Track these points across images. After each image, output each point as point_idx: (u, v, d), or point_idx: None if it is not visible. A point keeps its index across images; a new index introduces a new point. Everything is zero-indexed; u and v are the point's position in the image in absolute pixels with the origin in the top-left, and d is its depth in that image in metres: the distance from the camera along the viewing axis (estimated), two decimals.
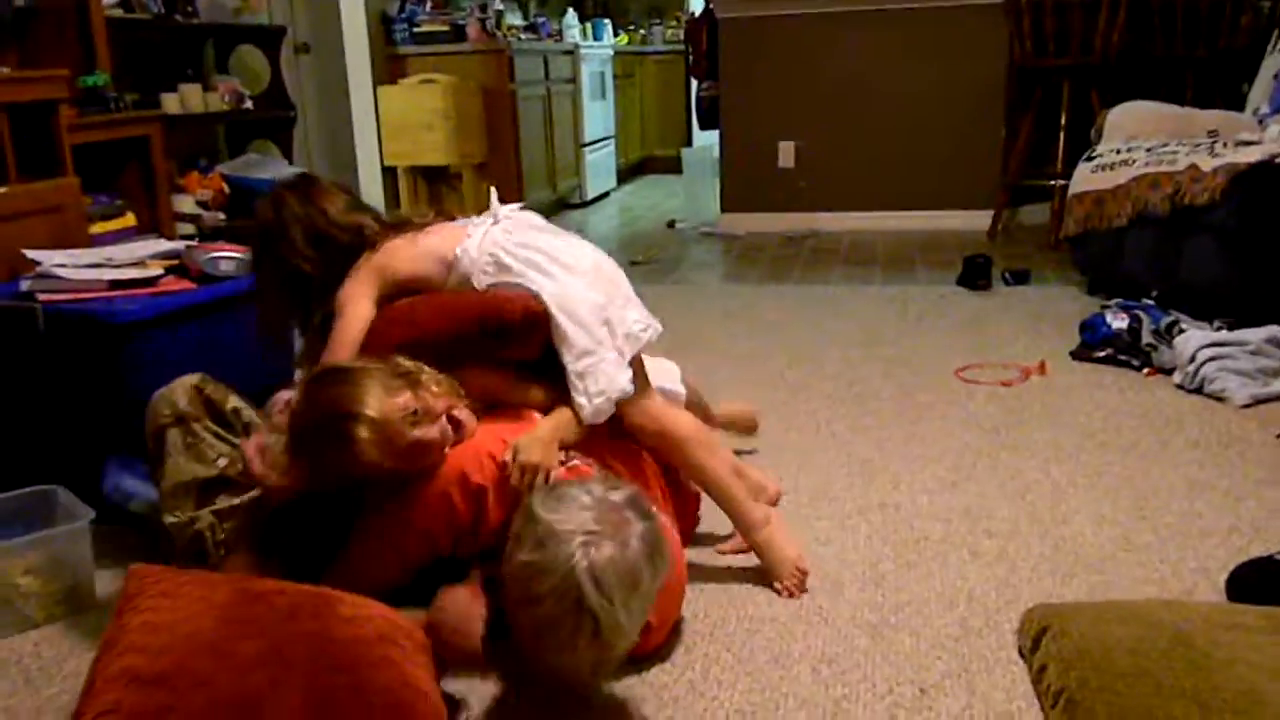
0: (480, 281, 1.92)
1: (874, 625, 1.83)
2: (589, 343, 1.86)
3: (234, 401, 1.97)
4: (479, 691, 1.67)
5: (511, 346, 1.86)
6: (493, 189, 2.23)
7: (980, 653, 1.73)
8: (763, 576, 1.99)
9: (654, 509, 1.59)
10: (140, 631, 1.43)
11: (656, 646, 1.74)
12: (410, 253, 1.96)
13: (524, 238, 1.96)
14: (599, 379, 1.86)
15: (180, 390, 1.93)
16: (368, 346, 1.86)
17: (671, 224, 6.32)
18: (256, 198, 4.63)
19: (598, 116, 7.67)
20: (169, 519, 1.85)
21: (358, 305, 1.90)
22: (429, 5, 6.25)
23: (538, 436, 1.76)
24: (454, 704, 1.62)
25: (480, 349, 1.85)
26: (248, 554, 1.83)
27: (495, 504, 1.71)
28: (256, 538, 1.84)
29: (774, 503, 2.26)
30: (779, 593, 1.94)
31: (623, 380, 1.87)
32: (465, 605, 1.64)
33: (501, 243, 1.94)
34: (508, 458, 1.72)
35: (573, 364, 1.86)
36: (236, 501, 1.85)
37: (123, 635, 1.42)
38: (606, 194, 7.86)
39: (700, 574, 2.01)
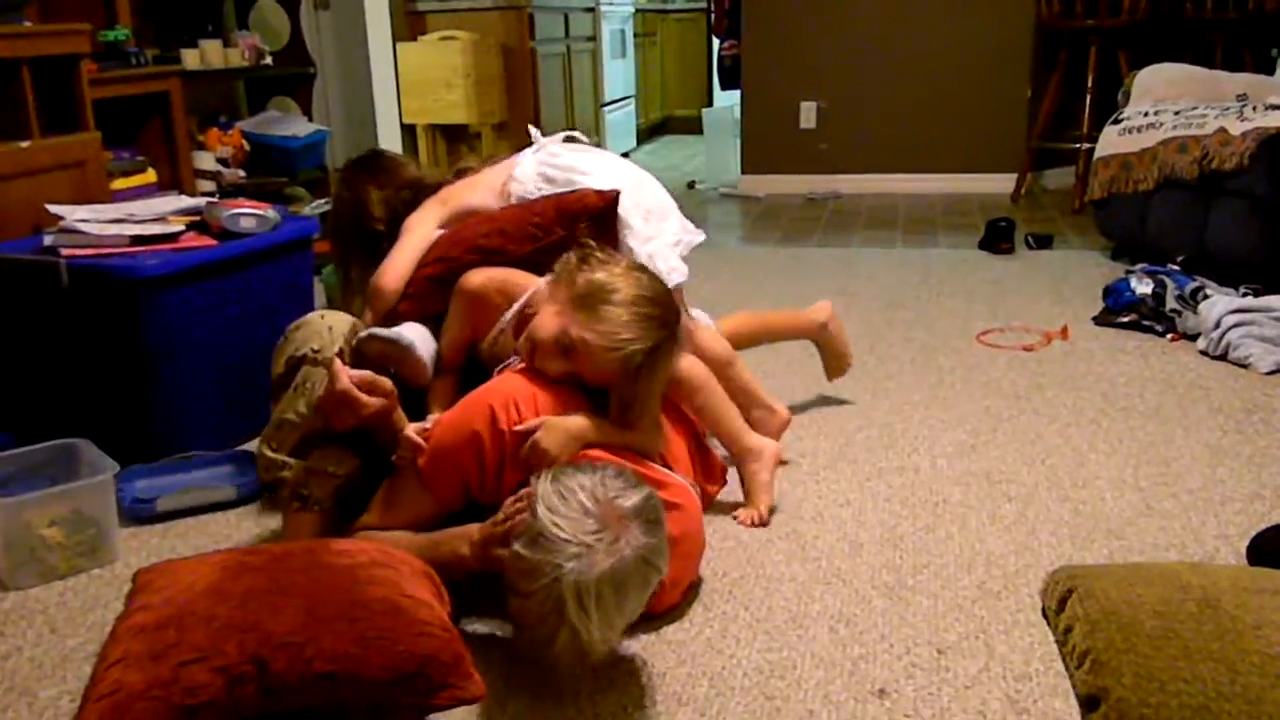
0: (534, 197, 2.07)
1: (892, 586, 1.83)
2: (649, 230, 2.10)
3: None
4: (495, 639, 1.69)
5: (586, 231, 1.95)
6: (531, 126, 2.36)
7: (999, 615, 1.73)
8: (783, 538, 2.00)
9: (663, 517, 1.53)
10: (145, 596, 1.48)
11: (670, 606, 1.75)
12: (469, 187, 2.14)
13: (570, 159, 2.13)
14: (668, 257, 2.09)
15: (333, 330, 1.89)
16: (448, 243, 2.02)
17: (691, 185, 6.30)
18: (275, 153, 4.61)
19: (618, 75, 7.62)
20: (265, 451, 1.86)
21: (422, 226, 2.07)
22: None
23: (566, 426, 1.72)
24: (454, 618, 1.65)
25: (557, 239, 1.94)
26: (320, 514, 1.84)
27: (512, 460, 1.72)
28: (331, 496, 1.84)
29: (782, 428, 2.29)
30: (735, 517, 2.07)
31: (683, 267, 2.13)
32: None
33: (549, 161, 2.12)
34: (530, 426, 1.72)
35: (640, 246, 2.05)
36: (333, 469, 1.83)
37: (129, 612, 1.46)
38: (626, 154, 7.82)
39: (720, 534, 2.02)
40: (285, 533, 1.88)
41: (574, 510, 1.46)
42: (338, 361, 1.79)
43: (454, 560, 1.65)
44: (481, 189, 2.13)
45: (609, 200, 2.00)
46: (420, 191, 2.16)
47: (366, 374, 1.77)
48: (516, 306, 1.89)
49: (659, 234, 2.13)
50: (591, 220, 1.98)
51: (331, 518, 1.85)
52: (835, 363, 2.62)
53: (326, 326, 1.90)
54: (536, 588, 1.43)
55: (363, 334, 1.92)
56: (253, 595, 1.43)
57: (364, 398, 1.75)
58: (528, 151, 2.19)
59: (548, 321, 1.77)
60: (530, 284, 1.90)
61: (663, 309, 1.76)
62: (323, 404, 1.78)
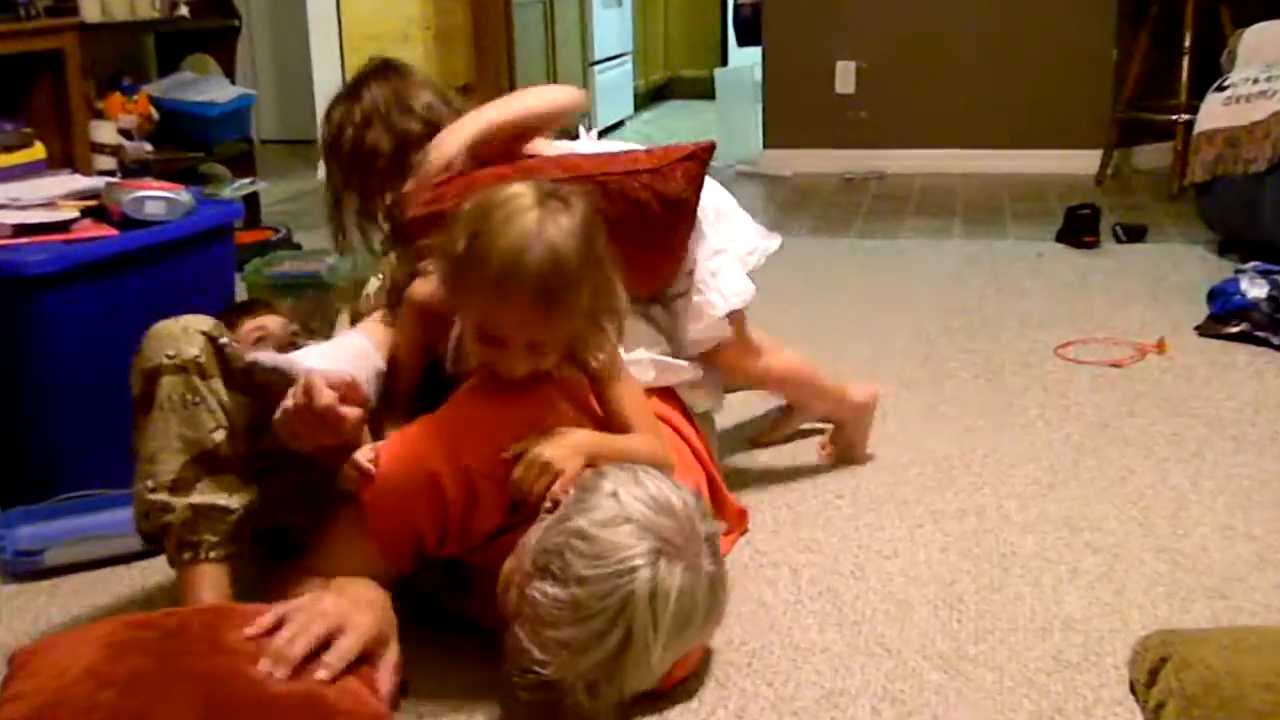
0: None
1: (948, 658, 1.83)
2: (719, 238, 2.21)
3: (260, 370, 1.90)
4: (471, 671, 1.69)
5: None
6: (581, 127, 2.44)
7: (1077, 691, 1.73)
8: (815, 598, 2.01)
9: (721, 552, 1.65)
10: (19, 683, 1.49)
11: (677, 682, 1.75)
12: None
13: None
14: (733, 279, 2.20)
15: (189, 331, 1.87)
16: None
17: None
18: (189, 123, 4.61)
19: (611, 28, 7.65)
20: (144, 494, 1.82)
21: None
22: None
23: (568, 440, 1.73)
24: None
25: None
26: (221, 563, 1.82)
27: (490, 498, 1.72)
28: (229, 539, 1.82)
29: (865, 410, 2.56)
30: (822, 447, 2.55)
31: (749, 289, 2.24)
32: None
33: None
34: (523, 447, 1.72)
35: (706, 261, 2.17)
36: (226, 503, 1.81)
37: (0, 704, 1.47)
38: (621, 123, 7.85)
39: (738, 594, 2.01)
40: (181, 594, 1.83)
41: (657, 506, 1.55)
42: (315, 374, 1.75)
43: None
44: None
45: (707, 149, 2.12)
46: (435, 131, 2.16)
47: (344, 376, 1.76)
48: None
49: (730, 243, 2.22)
50: (686, 177, 2.08)
51: (237, 564, 1.84)
52: (843, 451, 2.58)
53: (180, 327, 1.87)
54: (604, 573, 1.48)
55: (248, 357, 1.90)
56: (140, 680, 1.44)
57: (346, 411, 1.73)
58: (574, 144, 2.29)
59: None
60: None
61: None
62: (290, 423, 1.76)
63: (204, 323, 1.88)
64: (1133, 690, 1.72)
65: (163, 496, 1.81)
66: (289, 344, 2.16)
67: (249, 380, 1.85)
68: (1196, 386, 2.94)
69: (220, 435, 1.83)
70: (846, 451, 2.56)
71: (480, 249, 1.69)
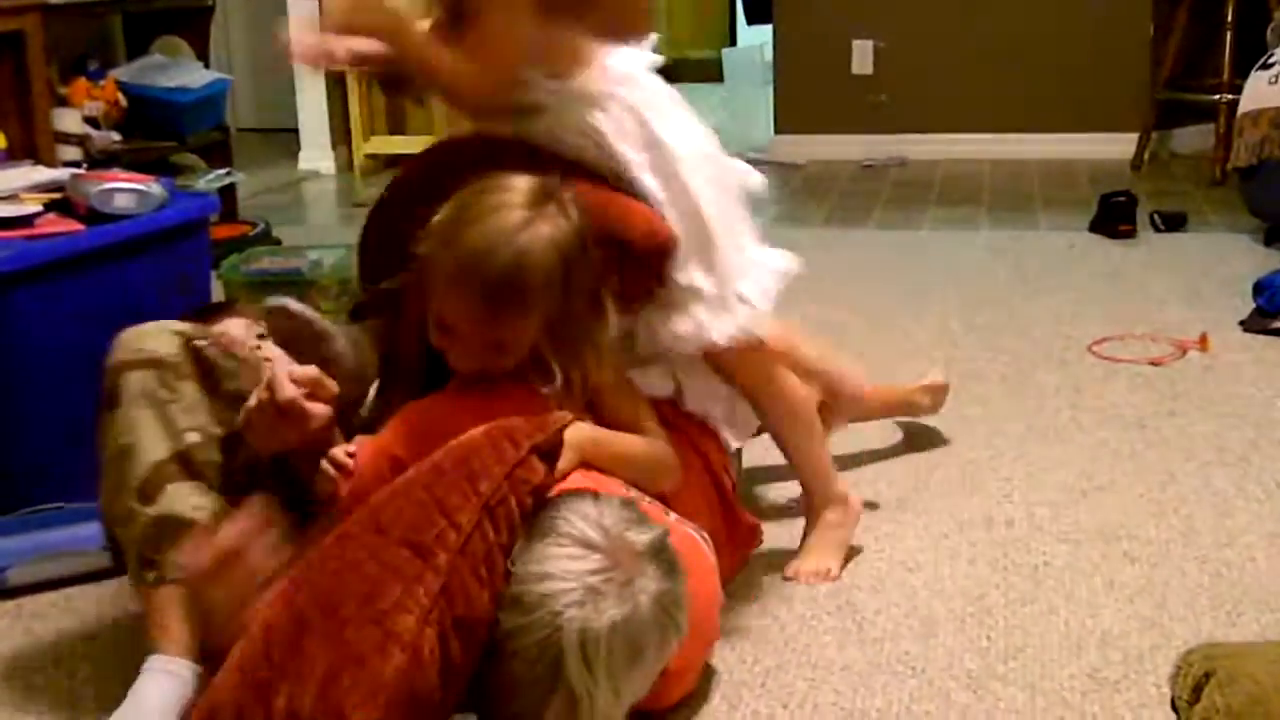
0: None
1: (977, 676, 1.83)
2: (738, 255, 2.03)
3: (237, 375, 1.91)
4: None
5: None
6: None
7: (1115, 711, 1.74)
8: (833, 613, 2.02)
9: (679, 561, 1.60)
10: None
11: (681, 698, 1.76)
12: None
13: (649, 115, 2.00)
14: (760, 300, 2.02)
15: (163, 330, 1.88)
16: None
17: None
18: (160, 110, 4.60)
19: None
20: (108, 497, 1.82)
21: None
22: None
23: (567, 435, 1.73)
24: None
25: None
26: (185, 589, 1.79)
27: None
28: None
29: (854, 401, 2.39)
30: (785, 576, 2.13)
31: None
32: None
33: (631, 105, 1.99)
34: None
35: (714, 288, 1.98)
36: (194, 515, 1.78)
37: None
38: None
39: (752, 609, 2.02)
40: (147, 619, 1.80)
41: (574, 545, 1.50)
42: (277, 365, 1.74)
43: None
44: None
45: (659, 247, 1.93)
46: None
47: (310, 371, 1.76)
48: None
49: (749, 266, 2.06)
50: (628, 263, 1.90)
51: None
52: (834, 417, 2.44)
53: (156, 327, 1.88)
54: (527, 643, 1.46)
55: (271, 302, 1.90)
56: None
57: (312, 407, 1.73)
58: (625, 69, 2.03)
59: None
60: None
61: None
62: (255, 421, 1.76)
63: (180, 325, 1.89)
64: (1174, 708, 1.71)
65: (128, 504, 1.79)
66: (254, 347, 2.17)
67: (271, 326, 1.91)
68: (1242, 385, 2.95)
69: (195, 437, 1.82)
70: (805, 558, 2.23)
71: (453, 233, 1.70)
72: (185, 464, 1.81)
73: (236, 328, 2.07)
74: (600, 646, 1.46)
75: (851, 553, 2.19)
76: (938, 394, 2.68)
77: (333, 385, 1.77)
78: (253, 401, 1.75)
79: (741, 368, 2.08)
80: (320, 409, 1.74)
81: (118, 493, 1.81)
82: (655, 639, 1.53)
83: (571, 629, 1.46)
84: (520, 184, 1.73)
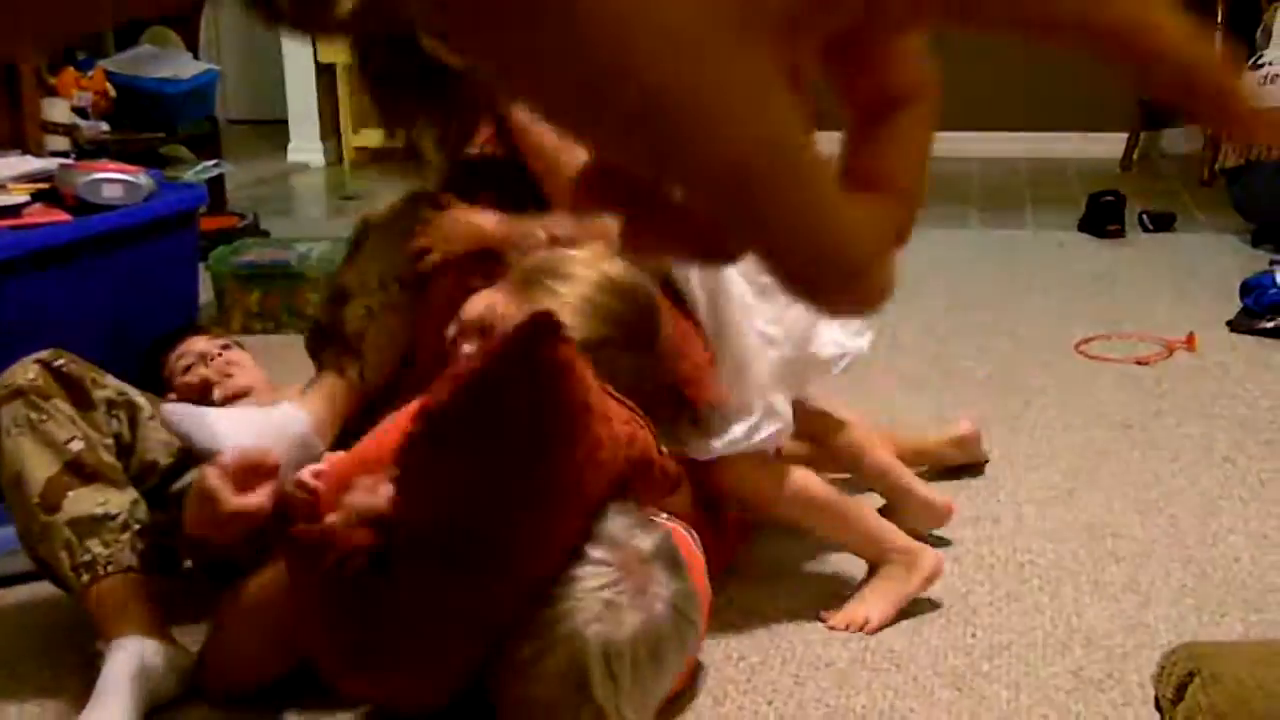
0: None
1: (961, 674, 1.84)
2: (770, 305, 1.99)
3: (106, 383, 1.96)
4: None
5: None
6: None
7: (1099, 709, 1.74)
8: (816, 610, 2.02)
9: (683, 559, 1.62)
10: None
11: (671, 695, 1.75)
12: None
13: None
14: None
15: (23, 363, 1.92)
16: None
17: None
18: (149, 101, 4.59)
19: None
20: (19, 516, 1.85)
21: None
22: None
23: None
24: None
25: None
26: (135, 571, 1.83)
27: None
28: (125, 545, 1.82)
29: (942, 522, 2.24)
30: (822, 619, 1.98)
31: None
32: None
33: None
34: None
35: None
36: (105, 510, 1.83)
37: None
38: None
39: (737, 607, 2.02)
40: (96, 620, 1.82)
41: (584, 562, 1.53)
42: (213, 472, 1.72)
43: None
44: None
45: (709, 408, 1.94)
46: None
47: (249, 456, 1.74)
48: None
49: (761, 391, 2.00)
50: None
51: (149, 581, 1.84)
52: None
53: (17, 363, 1.90)
54: (549, 665, 1.48)
55: (162, 409, 1.93)
56: None
57: (250, 503, 1.70)
58: None
59: (478, 300, 1.80)
60: None
61: (624, 305, 1.78)
62: (198, 534, 1.78)
63: (42, 354, 1.93)
64: (1158, 707, 1.72)
65: (40, 520, 1.82)
66: (215, 356, 2.23)
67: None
68: (1228, 385, 2.95)
69: (78, 445, 1.87)
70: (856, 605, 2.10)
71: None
72: (78, 471, 1.86)
73: (200, 344, 2.14)
74: (624, 658, 1.49)
75: (920, 606, 2.02)
76: (968, 444, 2.54)
77: (276, 458, 1.76)
78: (190, 513, 1.78)
79: (749, 483, 2.03)
80: (259, 502, 1.72)
81: (25, 516, 1.85)
82: (675, 640, 1.56)
83: (594, 645, 1.47)
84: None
